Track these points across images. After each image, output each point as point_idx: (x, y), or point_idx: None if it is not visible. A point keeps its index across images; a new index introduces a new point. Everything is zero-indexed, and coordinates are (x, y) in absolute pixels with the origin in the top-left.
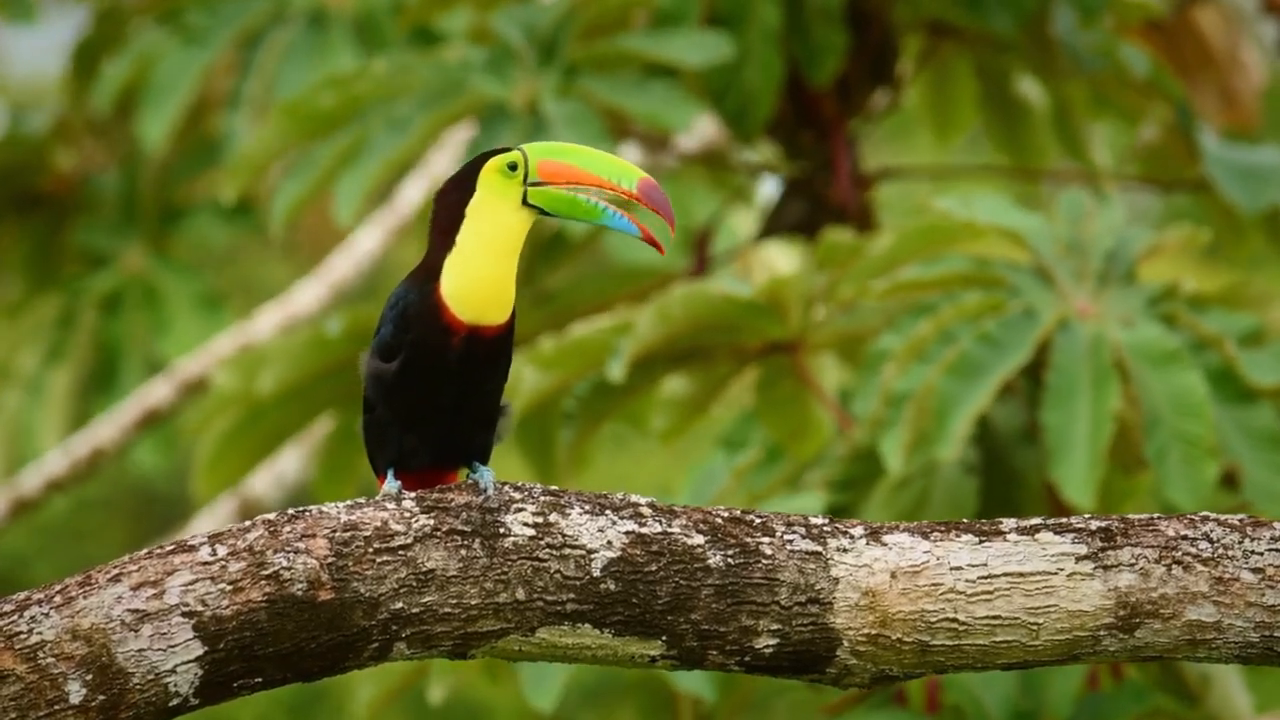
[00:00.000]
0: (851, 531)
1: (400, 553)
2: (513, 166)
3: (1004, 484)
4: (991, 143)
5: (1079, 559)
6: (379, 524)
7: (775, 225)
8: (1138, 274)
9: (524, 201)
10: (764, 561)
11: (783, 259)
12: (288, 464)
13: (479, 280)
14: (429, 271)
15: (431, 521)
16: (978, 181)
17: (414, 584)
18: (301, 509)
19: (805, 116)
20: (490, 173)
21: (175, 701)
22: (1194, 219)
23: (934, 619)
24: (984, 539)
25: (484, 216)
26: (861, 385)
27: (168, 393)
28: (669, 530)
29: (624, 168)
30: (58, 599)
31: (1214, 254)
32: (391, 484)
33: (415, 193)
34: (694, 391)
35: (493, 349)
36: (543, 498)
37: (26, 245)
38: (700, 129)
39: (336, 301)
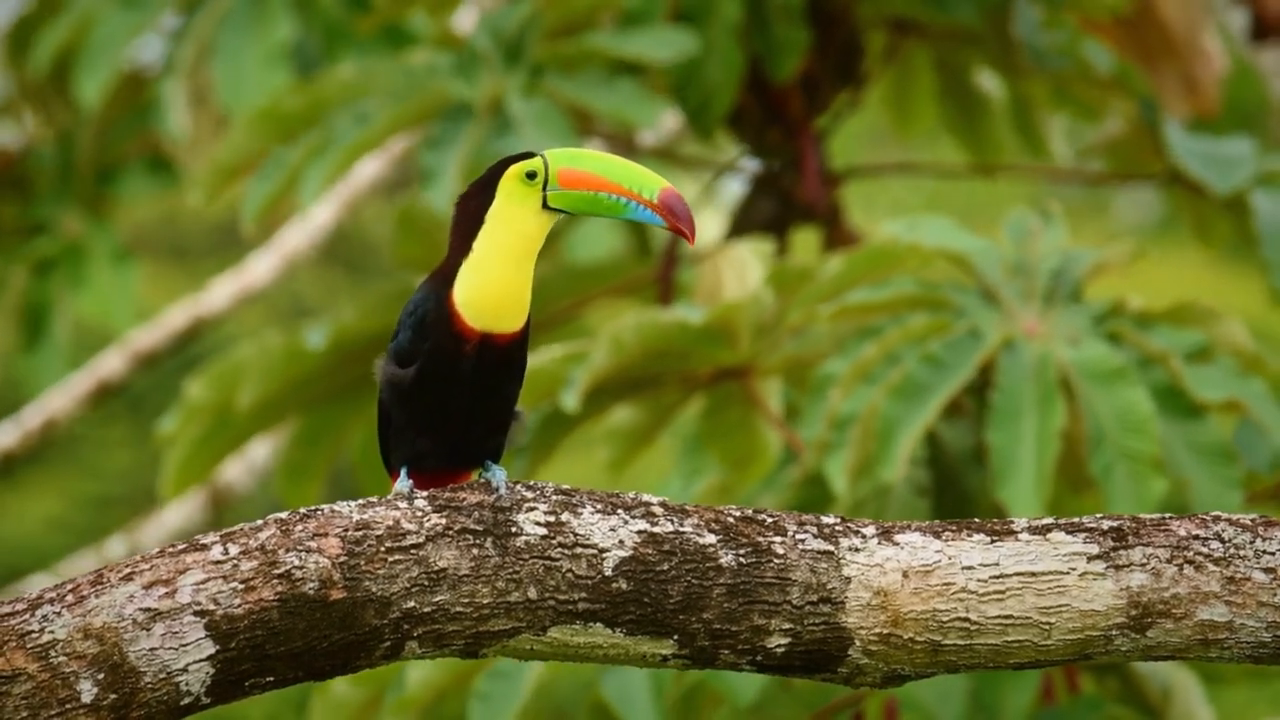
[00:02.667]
0: (863, 531)
1: (412, 552)
2: (531, 175)
3: (956, 506)
4: (950, 138)
5: (1091, 559)
6: (391, 523)
7: (744, 223)
8: (1083, 292)
9: (544, 206)
10: (776, 561)
11: (752, 261)
12: (258, 452)
13: (492, 288)
14: (445, 277)
15: (443, 520)
16: (944, 179)
17: (426, 583)
18: (313, 508)
19: (772, 114)
20: (510, 179)
21: (187, 700)
22: (1174, 210)
23: (946, 618)
24: (996, 538)
25: (502, 224)
26: (808, 409)
27: (119, 364)
28: (681, 529)
29: (645, 176)
30: (69, 598)
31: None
32: (403, 483)
33: (370, 167)
34: (641, 420)
35: (506, 356)
36: (555, 497)
37: None
38: (665, 125)
39: (290, 273)
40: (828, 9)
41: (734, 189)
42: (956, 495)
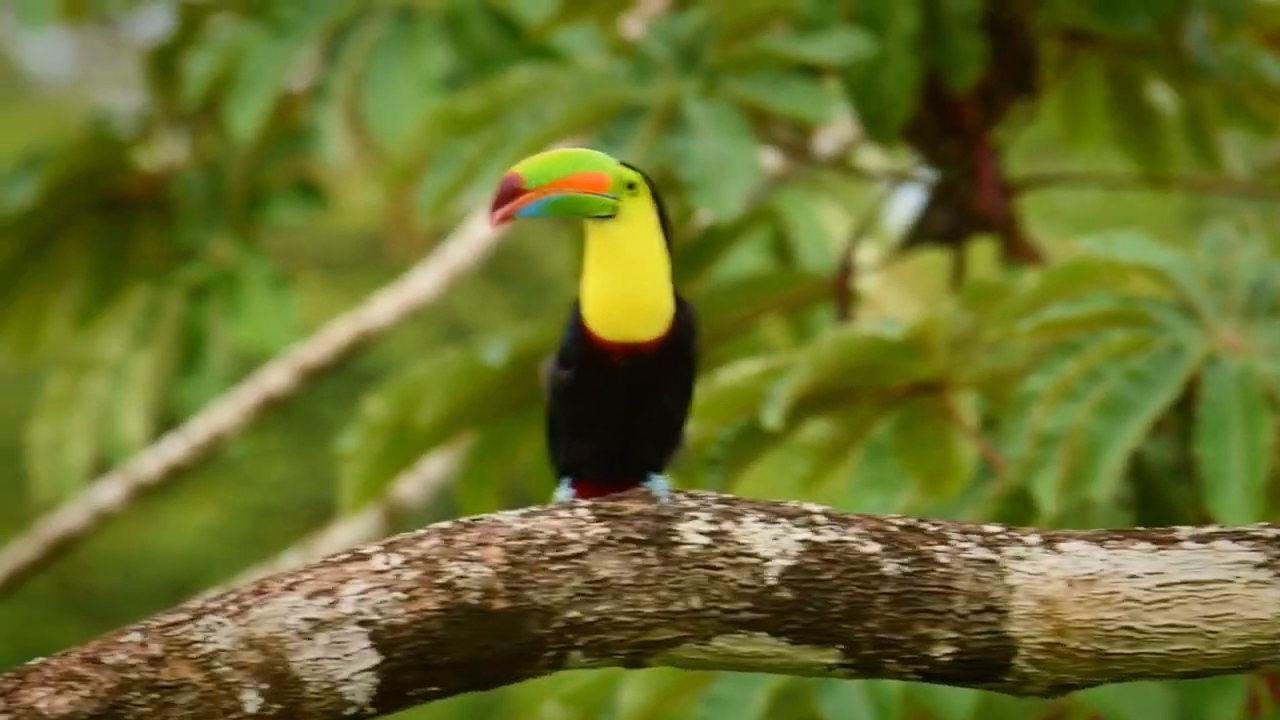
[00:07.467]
0: (1027, 539)
1: (574, 561)
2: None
3: (1158, 519)
4: (1121, 151)
5: (1256, 566)
6: (553, 532)
7: (919, 234)
8: None
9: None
10: (939, 569)
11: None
12: (432, 467)
13: (600, 297)
14: None
15: (605, 530)
16: (1128, 190)
17: (589, 592)
18: (475, 518)
19: (948, 125)
20: None
21: (351, 711)
22: None
23: (1111, 627)
24: (1160, 547)
25: (589, 236)
26: (1011, 427)
27: (285, 379)
28: (844, 538)
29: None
30: (232, 608)
31: None
32: (565, 492)
33: None
34: (835, 435)
35: (655, 364)
36: (716, 506)
37: (106, 247)
38: (842, 136)
39: (454, 288)
40: (1003, 19)
41: (909, 200)
42: (1159, 509)
